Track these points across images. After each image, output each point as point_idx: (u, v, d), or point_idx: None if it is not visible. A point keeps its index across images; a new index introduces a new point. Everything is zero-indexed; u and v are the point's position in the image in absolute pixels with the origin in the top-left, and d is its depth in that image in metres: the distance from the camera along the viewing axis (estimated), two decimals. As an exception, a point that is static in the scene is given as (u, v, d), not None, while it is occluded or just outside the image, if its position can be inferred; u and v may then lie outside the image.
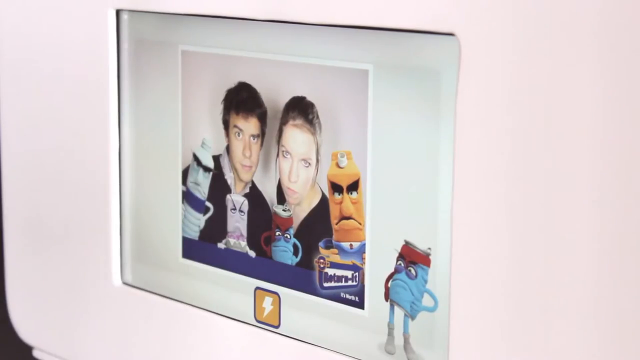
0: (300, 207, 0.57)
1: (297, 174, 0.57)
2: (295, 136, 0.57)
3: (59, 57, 0.68)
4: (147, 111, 0.65)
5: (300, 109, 0.56)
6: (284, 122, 0.58)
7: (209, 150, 0.62)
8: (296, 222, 0.58)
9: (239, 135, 0.60)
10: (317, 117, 0.56)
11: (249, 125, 0.59)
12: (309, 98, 0.56)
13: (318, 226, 0.57)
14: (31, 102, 0.70)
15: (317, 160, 0.56)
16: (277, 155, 0.58)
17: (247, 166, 0.60)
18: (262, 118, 0.58)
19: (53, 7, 0.67)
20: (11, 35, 0.71)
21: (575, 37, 0.44)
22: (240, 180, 0.60)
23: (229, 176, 0.61)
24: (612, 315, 0.45)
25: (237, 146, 0.60)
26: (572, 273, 0.45)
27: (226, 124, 0.61)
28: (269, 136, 0.58)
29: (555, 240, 0.46)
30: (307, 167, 0.57)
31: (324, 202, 0.56)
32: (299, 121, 0.57)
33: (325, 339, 0.57)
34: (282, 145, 0.58)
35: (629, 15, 0.43)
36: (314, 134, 0.56)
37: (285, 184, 0.58)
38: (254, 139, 0.59)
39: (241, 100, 0.59)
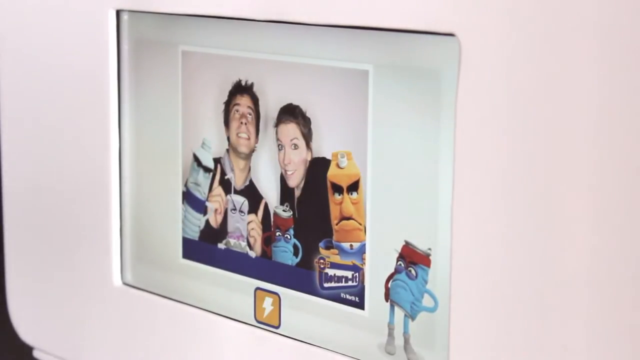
0: (297, 180, 0.58)
1: (289, 157, 0.58)
2: (285, 128, 0.57)
3: (59, 58, 0.68)
4: (147, 111, 0.65)
5: (291, 113, 0.57)
6: (277, 124, 0.58)
7: (209, 151, 0.62)
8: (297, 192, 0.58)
9: (237, 112, 0.60)
10: (307, 119, 0.56)
11: (244, 99, 0.59)
12: (309, 98, 0.56)
13: (316, 205, 0.57)
14: (31, 102, 0.70)
15: (307, 146, 0.56)
16: (278, 153, 0.58)
17: (244, 138, 0.60)
18: (255, 99, 0.59)
19: (53, 7, 0.67)
20: (11, 36, 0.71)
21: (575, 36, 0.44)
22: (239, 156, 0.60)
23: (230, 175, 0.61)
24: (612, 315, 0.45)
25: (236, 119, 0.60)
26: (572, 273, 0.45)
27: (227, 121, 0.61)
28: (265, 137, 0.58)
29: (555, 240, 0.46)
30: (296, 149, 0.57)
31: (315, 163, 0.56)
32: (289, 119, 0.57)
33: (325, 339, 0.57)
34: (279, 140, 0.58)
35: (629, 15, 0.43)
36: (298, 123, 0.56)
37: (284, 168, 0.58)
38: (249, 116, 0.59)
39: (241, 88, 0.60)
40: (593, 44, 0.44)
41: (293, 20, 0.55)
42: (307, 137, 0.57)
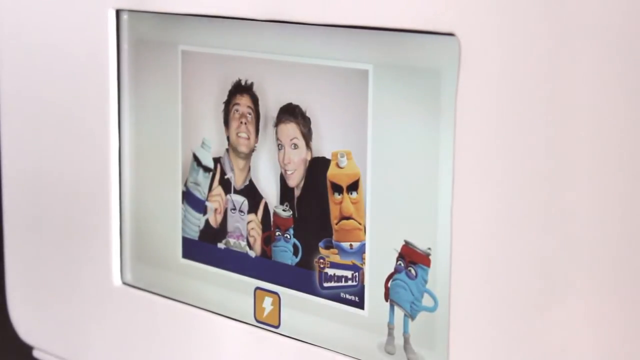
0: (297, 180, 0.58)
1: (289, 157, 0.58)
2: (285, 128, 0.57)
3: (59, 58, 0.68)
4: (147, 111, 0.65)
5: (291, 113, 0.57)
6: (277, 123, 0.58)
7: (209, 150, 0.62)
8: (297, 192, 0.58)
9: (237, 112, 0.60)
10: (307, 119, 0.56)
11: (243, 99, 0.59)
12: (309, 97, 0.56)
13: (316, 206, 0.57)
14: (31, 102, 0.70)
15: (307, 145, 0.56)
16: (277, 153, 0.58)
17: (244, 138, 0.60)
18: (255, 98, 0.59)
19: (53, 7, 0.67)
20: (11, 35, 0.71)
21: (576, 36, 0.44)
22: (239, 156, 0.60)
23: (230, 175, 0.61)
24: (613, 315, 0.45)
25: (235, 119, 0.60)
26: (572, 273, 0.45)
27: (226, 121, 0.61)
28: (265, 136, 0.58)
29: (556, 241, 0.46)
30: (295, 149, 0.57)
31: (315, 162, 0.56)
32: (289, 119, 0.57)
33: (325, 339, 0.57)
34: (279, 140, 0.58)
35: (630, 15, 0.43)
36: (298, 123, 0.56)
37: (284, 168, 0.58)
38: (249, 116, 0.59)
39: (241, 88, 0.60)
40: (593, 43, 0.44)
41: (293, 20, 0.55)
42: (307, 136, 0.57)
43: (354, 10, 0.52)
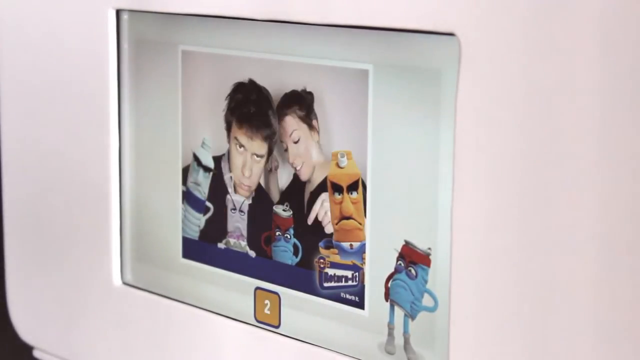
0: (309, 173, 0.57)
1: (293, 154, 0.57)
2: (284, 125, 0.57)
3: (59, 57, 0.68)
4: (147, 111, 0.65)
5: (287, 106, 0.57)
6: (281, 114, 0.58)
7: (209, 150, 0.62)
8: (307, 190, 0.58)
9: (239, 147, 0.60)
10: (303, 106, 0.56)
11: (252, 145, 0.59)
12: (309, 97, 0.56)
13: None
14: (31, 102, 0.70)
15: (310, 127, 0.56)
16: (285, 155, 0.58)
17: (245, 185, 0.60)
18: (270, 138, 0.58)
19: (53, 7, 0.67)
20: (11, 35, 0.71)
21: (576, 36, 0.44)
22: (239, 187, 0.60)
23: (229, 177, 0.61)
24: (612, 315, 0.45)
25: (237, 158, 0.60)
26: (573, 273, 0.45)
27: (228, 125, 0.61)
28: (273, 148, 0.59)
29: (556, 240, 0.46)
30: (297, 142, 0.57)
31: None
32: (285, 113, 0.57)
33: (325, 339, 0.57)
34: (282, 141, 0.58)
35: (630, 14, 0.43)
36: (293, 112, 0.56)
37: (293, 167, 0.58)
38: (257, 157, 0.59)
39: (247, 114, 0.59)
40: (593, 43, 0.44)
41: (293, 20, 0.55)
42: (307, 119, 0.56)
43: (354, 10, 0.52)
